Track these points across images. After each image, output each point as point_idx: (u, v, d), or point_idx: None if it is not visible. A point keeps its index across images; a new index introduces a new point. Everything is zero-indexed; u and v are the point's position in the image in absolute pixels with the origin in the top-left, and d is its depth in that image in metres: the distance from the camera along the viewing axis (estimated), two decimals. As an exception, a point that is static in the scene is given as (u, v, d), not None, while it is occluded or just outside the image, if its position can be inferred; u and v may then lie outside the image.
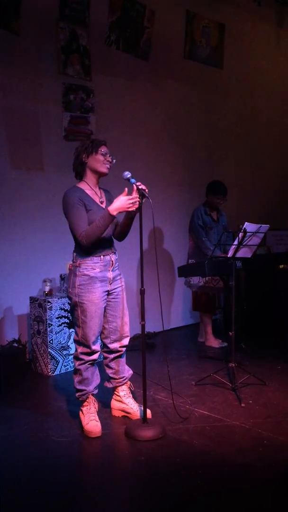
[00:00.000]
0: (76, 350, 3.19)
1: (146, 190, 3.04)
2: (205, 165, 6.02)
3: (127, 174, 3.08)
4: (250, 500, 2.42)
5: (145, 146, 5.49)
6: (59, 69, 4.62)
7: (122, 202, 2.97)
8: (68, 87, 4.71)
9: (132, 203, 2.98)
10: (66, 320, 4.39)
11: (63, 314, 4.37)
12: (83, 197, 3.09)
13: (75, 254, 3.15)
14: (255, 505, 2.39)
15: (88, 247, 3.05)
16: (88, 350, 3.14)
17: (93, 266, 3.11)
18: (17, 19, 4.22)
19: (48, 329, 4.27)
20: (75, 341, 3.19)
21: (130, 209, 3.00)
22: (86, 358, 3.15)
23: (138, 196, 3.00)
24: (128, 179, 3.07)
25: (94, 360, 3.19)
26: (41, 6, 4.50)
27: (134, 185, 3.03)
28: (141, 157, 5.38)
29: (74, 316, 3.16)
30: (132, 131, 5.36)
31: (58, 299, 4.35)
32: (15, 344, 4.34)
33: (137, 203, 3.00)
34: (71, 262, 3.18)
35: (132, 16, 4.97)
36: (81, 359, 3.15)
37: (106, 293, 3.18)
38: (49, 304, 4.27)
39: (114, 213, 2.99)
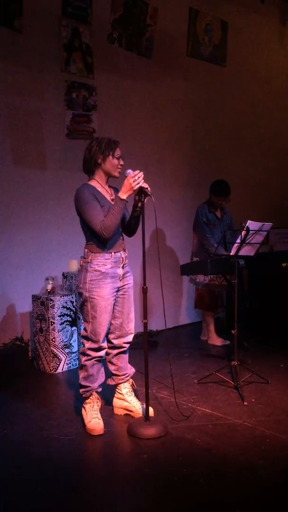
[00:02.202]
0: (83, 346, 3.19)
1: (149, 189, 3.05)
2: (208, 162, 6.01)
3: (130, 172, 3.09)
4: (252, 499, 2.42)
5: (148, 144, 5.48)
6: (61, 67, 4.61)
7: (127, 184, 3.02)
8: (70, 85, 4.71)
9: (136, 181, 3.01)
10: (69, 318, 4.39)
11: (66, 312, 4.37)
12: (96, 194, 3.11)
13: (86, 250, 3.17)
14: (258, 504, 2.39)
15: (106, 241, 3.08)
16: (96, 346, 3.14)
17: (104, 262, 3.13)
18: (20, 17, 4.22)
19: (51, 327, 4.27)
20: (83, 337, 3.20)
21: (136, 187, 3.01)
22: (93, 354, 3.15)
23: (138, 174, 3.03)
24: (131, 177, 3.08)
25: (101, 357, 3.19)
26: (44, 4, 4.50)
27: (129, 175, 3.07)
28: (144, 155, 5.37)
29: (84, 311, 3.17)
30: (135, 129, 5.35)
31: (61, 297, 4.35)
32: (18, 342, 4.34)
33: (141, 178, 3.02)
34: (82, 258, 3.20)
35: (135, 13, 4.96)
36: (88, 355, 3.15)
37: (116, 289, 3.20)
38: (51, 302, 4.27)
39: (124, 196, 3.04)
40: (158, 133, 5.59)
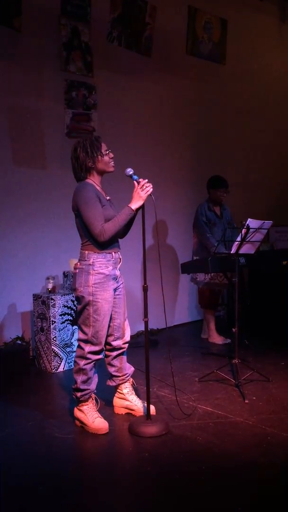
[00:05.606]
0: (82, 350, 3.13)
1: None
2: (208, 161, 6.01)
3: (130, 170, 3.08)
4: (253, 497, 2.42)
5: (148, 143, 5.48)
6: (61, 66, 4.61)
7: (137, 195, 3.02)
8: (70, 84, 4.70)
9: (147, 188, 3.02)
10: (70, 317, 4.39)
11: (67, 311, 4.37)
12: (97, 193, 3.07)
13: (86, 252, 3.08)
14: (259, 502, 2.39)
15: (103, 244, 3.04)
16: (98, 348, 3.11)
17: (106, 264, 3.09)
18: (19, 16, 4.21)
19: (52, 326, 4.28)
20: (82, 341, 3.13)
21: (145, 196, 3.03)
22: (94, 357, 3.13)
23: (145, 183, 3.03)
24: (131, 176, 3.08)
25: (100, 359, 3.18)
26: (43, 3, 4.49)
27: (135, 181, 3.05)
28: (144, 154, 5.37)
29: (84, 315, 3.10)
30: (134, 128, 5.35)
31: (62, 296, 4.35)
32: (19, 341, 4.35)
33: (150, 187, 3.03)
34: (80, 260, 3.11)
35: (134, 12, 4.95)
36: (88, 359, 3.12)
37: (115, 290, 3.19)
38: (52, 301, 4.28)
39: (134, 207, 3.03)
40: (158, 131, 5.59)
